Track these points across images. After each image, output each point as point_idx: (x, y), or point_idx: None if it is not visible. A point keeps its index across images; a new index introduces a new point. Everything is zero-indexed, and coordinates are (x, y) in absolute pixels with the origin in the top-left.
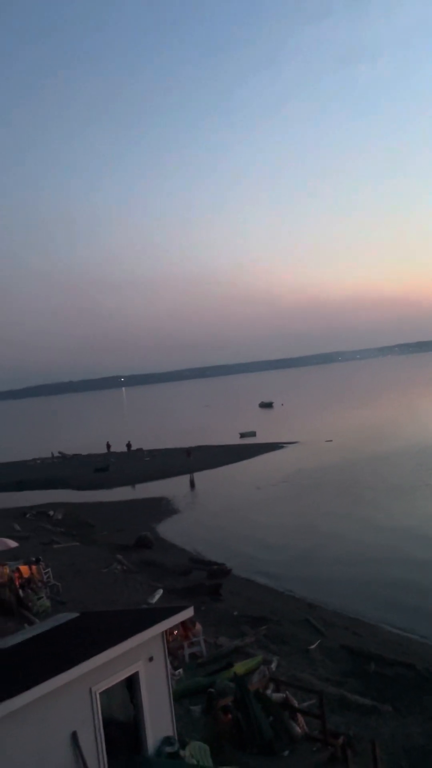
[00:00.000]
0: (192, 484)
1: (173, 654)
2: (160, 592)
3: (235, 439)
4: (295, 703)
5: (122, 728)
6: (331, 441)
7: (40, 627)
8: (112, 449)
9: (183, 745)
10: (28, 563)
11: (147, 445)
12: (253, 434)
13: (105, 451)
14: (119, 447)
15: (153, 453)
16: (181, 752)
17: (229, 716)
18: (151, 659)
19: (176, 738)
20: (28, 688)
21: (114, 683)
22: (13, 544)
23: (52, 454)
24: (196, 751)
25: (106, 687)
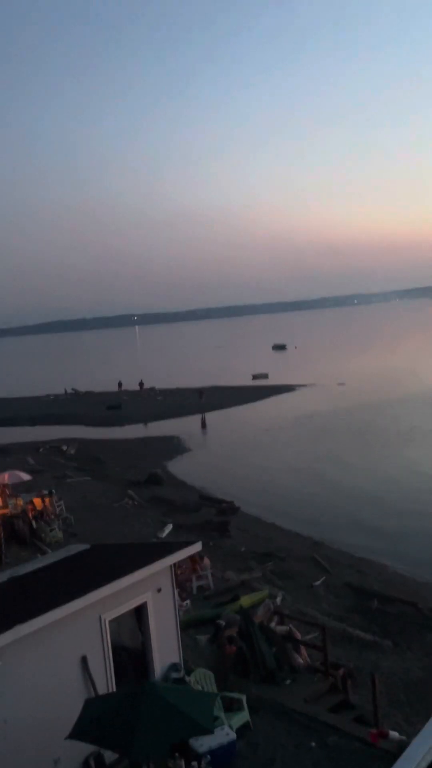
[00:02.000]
0: (203, 424)
1: (181, 586)
2: (170, 527)
3: (247, 381)
4: (299, 636)
5: (130, 654)
6: (343, 384)
7: (52, 557)
8: (125, 388)
9: (189, 672)
10: (42, 496)
11: (159, 385)
12: (265, 376)
13: (118, 389)
14: (132, 385)
15: (165, 392)
16: (187, 678)
17: (234, 646)
18: (159, 590)
19: (182, 665)
20: (40, 613)
21: (123, 612)
22: (26, 477)
23: (66, 390)
24: (201, 677)
25: (116, 615)
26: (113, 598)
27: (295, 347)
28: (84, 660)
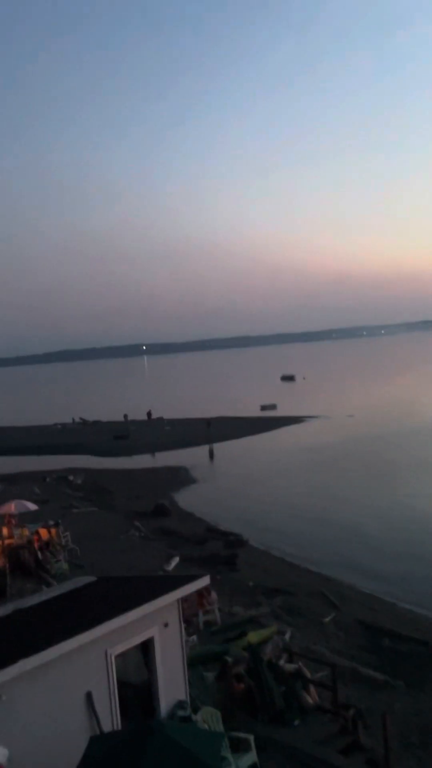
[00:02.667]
0: (211, 455)
1: (188, 621)
2: (177, 560)
3: (255, 412)
4: (308, 674)
5: (136, 691)
6: (352, 416)
7: (58, 589)
8: (132, 418)
9: (195, 710)
10: (48, 526)
11: (167, 415)
12: (274, 407)
13: (124, 420)
14: (140, 415)
15: (173, 422)
16: (194, 716)
17: (242, 684)
18: (166, 625)
19: (189, 702)
20: (44, 648)
21: (129, 647)
22: (33, 506)
23: (73, 419)
24: (208, 716)
25: (122, 650)
26: (119, 632)
27: (304, 378)
28: (89, 696)
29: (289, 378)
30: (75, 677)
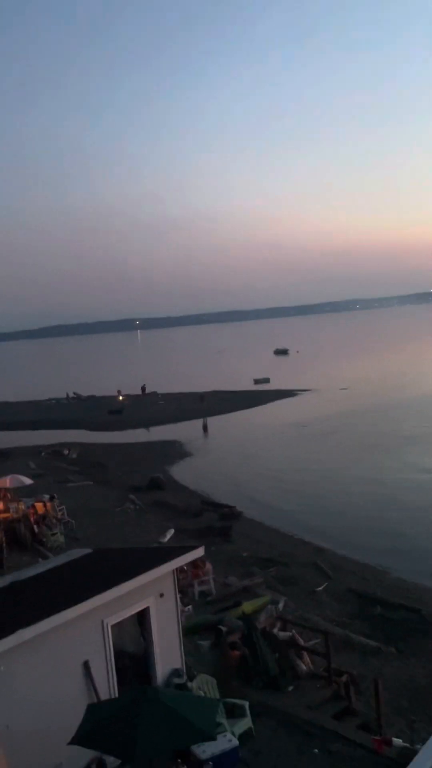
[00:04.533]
0: (205, 429)
1: (184, 591)
2: (172, 531)
3: (249, 385)
4: (301, 642)
5: (133, 659)
6: (346, 389)
7: (54, 562)
8: (127, 392)
9: (191, 678)
10: (43, 500)
11: (161, 389)
12: (267, 381)
13: (118, 396)
14: (134, 390)
15: (167, 397)
16: (189, 684)
17: (237, 652)
18: (161, 595)
19: (185, 670)
20: (42, 618)
21: (125, 617)
22: (28, 481)
23: (67, 394)
24: (204, 683)
25: (118, 620)
26: (115, 603)
27: (297, 352)
28: (86, 665)
29: (282, 352)
30: (72, 647)
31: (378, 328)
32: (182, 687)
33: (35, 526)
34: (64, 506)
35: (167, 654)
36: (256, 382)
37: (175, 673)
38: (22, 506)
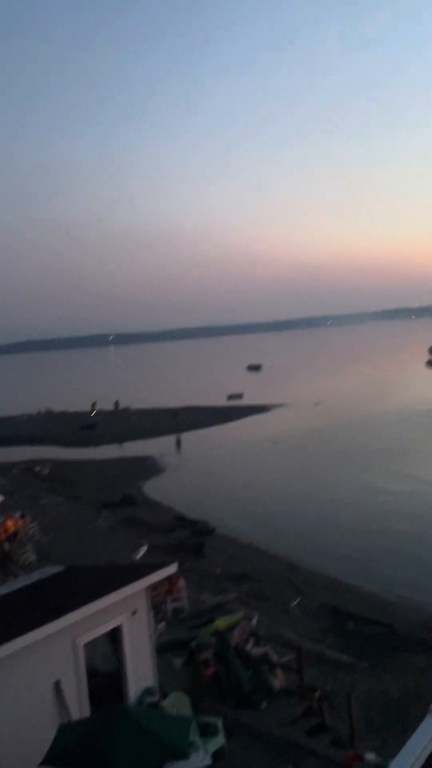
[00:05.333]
0: (178, 444)
1: (156, 608)
2: (145, 548)
3: (222, 401)
4: (275, 658)
5: (105, 678)
6: (319, 404)
7: (25, 580)
8: (99, 408)
9: (164, 696)
10: (14, 518)
11: (134, 405)
12: (240, 396)
13: (91, 410)
14: (107, 406)
15: (140, 412)
16: (162, 702)
17: (210, 669)
18: (134, 613)
19: (157, 689)
20: (12, 638)
21: (98, 635)
22: None
23: (39, 410)
24: (177, 701)
25: (90, 639)
26: (87, 621)
27: (270, 367)
28: (58, 685)
29: (255, 367)
30: (43, 667)
31: (350, 344)
32: (155, 705)
33: (6, 544)
34: (35, 524)
35: (140, 672)
36: (230, 397)
37: (148, 691)
38: None
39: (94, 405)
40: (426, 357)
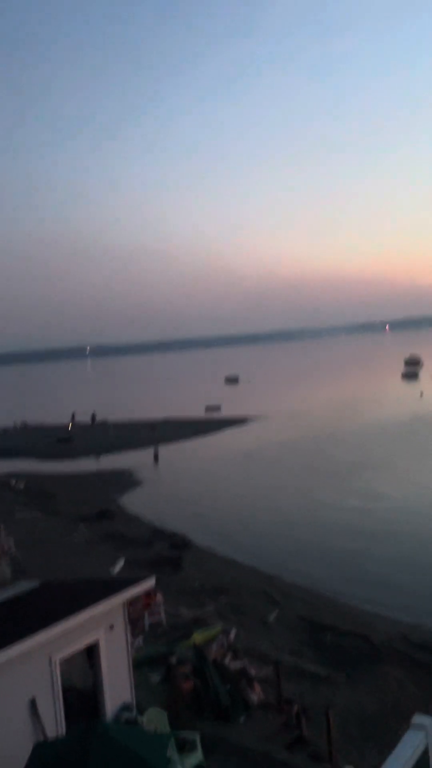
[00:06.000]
0: (156, 457)
1: (134, 623)
2: (122, 562)
3: (200, 413)
4: (252, 672)
5: (81, 695)
6: (296, 416)
7: None
8: (77, 420)
9: (141, 712)
10: None
11: (112, 417)
12: (218, 408)
13: (69, 422)
14: (83, 418)
15: (118, 425)
16: (140, 718)
17: (188, 684)
18: (111, 628)
19: (135, 705)
20: None
21: (74, 651)
22: None
23: (15, 423)
24: (154, 717)
25: (66, 655)
26: (64, 637)
27: (248, 380)
28: (33, 703)
29: (233, 380)
30: (18, 684)
31: (327, 357)
32: (132, 722)
33: None
34: (10, 538)
35: (117, 688)
36: (208, 409)
37: (125, 707)
38: None
39: (73, 416)
40: (401, 369)
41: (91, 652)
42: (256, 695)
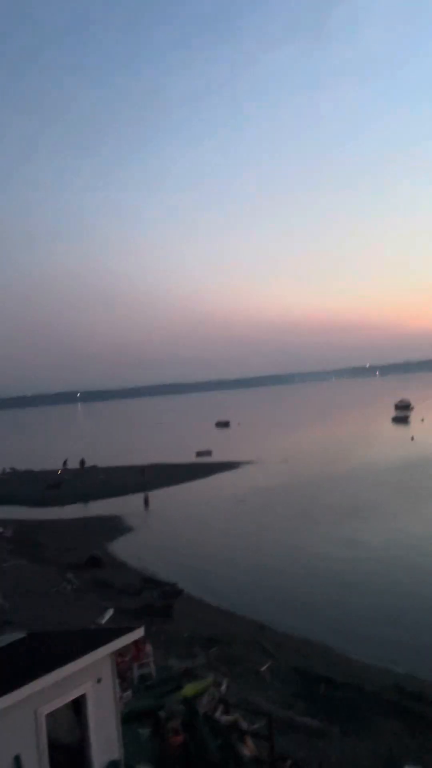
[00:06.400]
0: (146, 503)
1: (122, 675)
2: (111, 612)
3: (191, 458)
4: (244, 726)
5: (68, 751)
6: (287, 461)
7: None
8: (67, 466)
9: None
10: None
11: (101, 463)
12: (209, 453)
13: (60, 468)
14: (73, 464)
15: (107, 470)
16: None
17: (178, 739)
18: (99, 681)
19: (123, 762)
20: None
21: (60, 705)
22: None
23: (4, 469)
24: None
25: (53, 709)
26: (50, 690)
27: (238, 424)
28: (17, 760)
29: (223, 424)
30: (2, 740)
31: (317, 401)
32: None
33: None
34: None
35: (105, 744)
36: (198, 454)
37: (113, 764)
38: None
39: (65, 463)
40: (392, 413)
41: (78, 706)
42: (248, 750)
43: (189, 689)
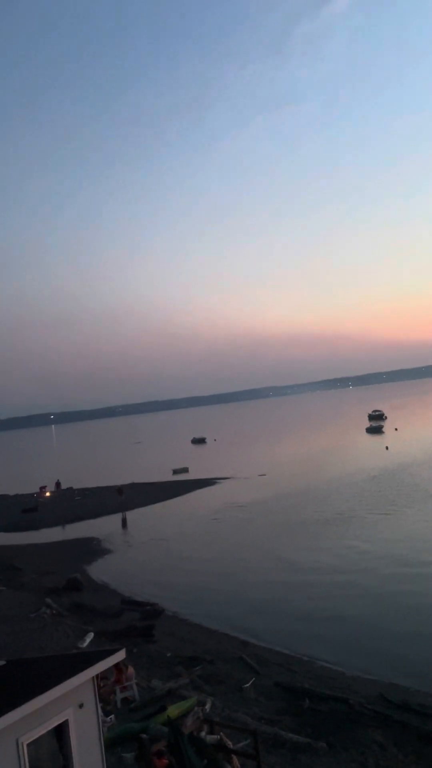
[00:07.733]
0: (124, 523)
1: (105, 699)
2: (91, 635)
3: (168, 476)
4: (230, 745)
5: None
6: (264, 475)
7: None
8: (42, 488)
9: None
10: None
11: (77, 484)
12: (186, 470)
13: (37, 492)
14: (48, 487)
15: (84, 492)
16: None
17: (162, 761)
18: (81, 706)
19: None
20: None
21: (42, 733)
22: None
23: None
24: None
25: (34, 737)
26: (31, 718)
27: (215, 440)
28: None
29: (200, 441)
30: None
31: (292, 414)
32: None
33: None
34: None
35: None
36: (175, 472)
37: None
38: None
39: (42, 489)
40: (365, 424)
41: (61, 733)
42: None
43: (173, 710)
